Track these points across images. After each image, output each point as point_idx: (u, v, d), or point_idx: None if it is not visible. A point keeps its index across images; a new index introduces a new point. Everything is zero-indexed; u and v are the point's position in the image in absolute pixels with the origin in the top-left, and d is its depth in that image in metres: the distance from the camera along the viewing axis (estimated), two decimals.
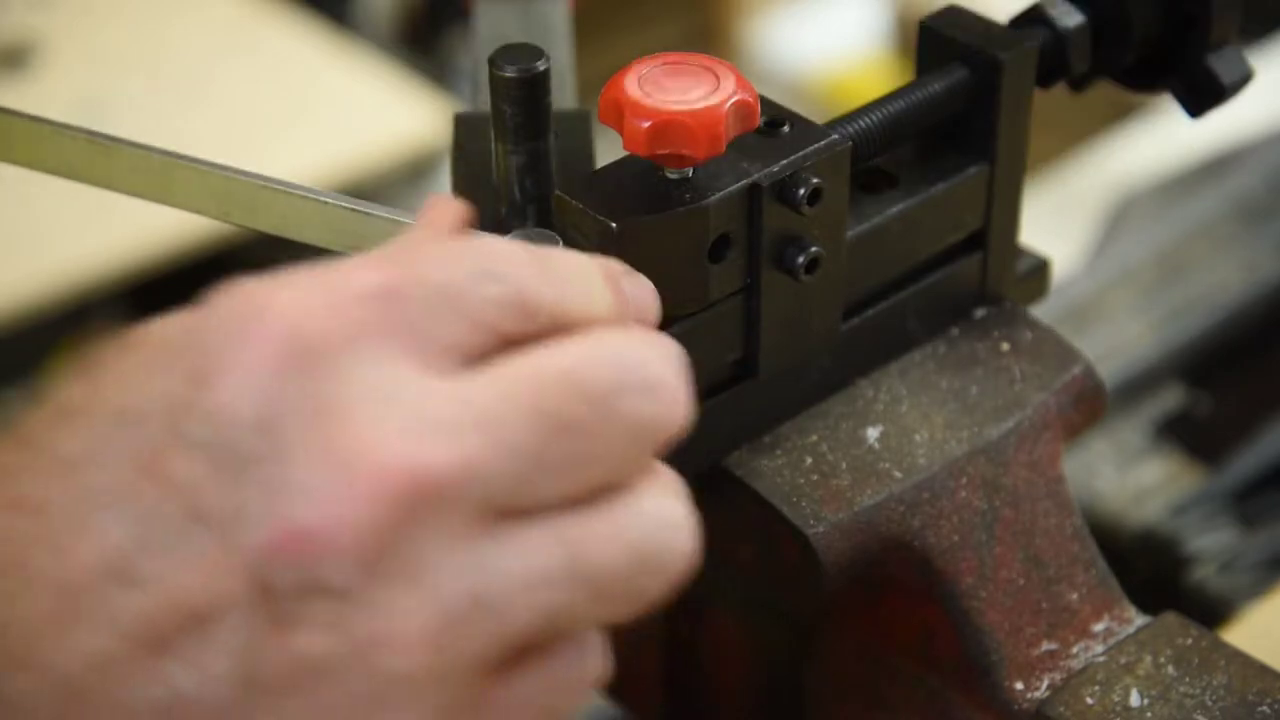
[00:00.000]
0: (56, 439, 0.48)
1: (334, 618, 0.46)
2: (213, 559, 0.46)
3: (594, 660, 0.50)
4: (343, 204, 0.61)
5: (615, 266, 0.55)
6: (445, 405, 0.47)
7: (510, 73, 0.62)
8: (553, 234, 0.58)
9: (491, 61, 0.63)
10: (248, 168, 0.61)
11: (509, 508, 0.48)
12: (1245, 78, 0.74)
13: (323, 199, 0.61)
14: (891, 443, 0.67)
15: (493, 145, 0.65)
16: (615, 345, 0.49)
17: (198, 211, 0.63)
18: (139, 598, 0.46)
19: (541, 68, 0.63)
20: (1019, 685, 0.66)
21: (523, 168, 0.64)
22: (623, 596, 0.49)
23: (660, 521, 0.49)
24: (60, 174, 0.63)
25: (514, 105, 0.63)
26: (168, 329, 0.49)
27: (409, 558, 0.47)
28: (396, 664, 0.47)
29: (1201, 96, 0.74)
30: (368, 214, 0.61)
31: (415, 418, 0.47)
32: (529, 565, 0.48)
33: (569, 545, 0.48)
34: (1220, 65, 0.73)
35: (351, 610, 0.46)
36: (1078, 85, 0.75)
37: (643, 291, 0.57)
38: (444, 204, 0.56)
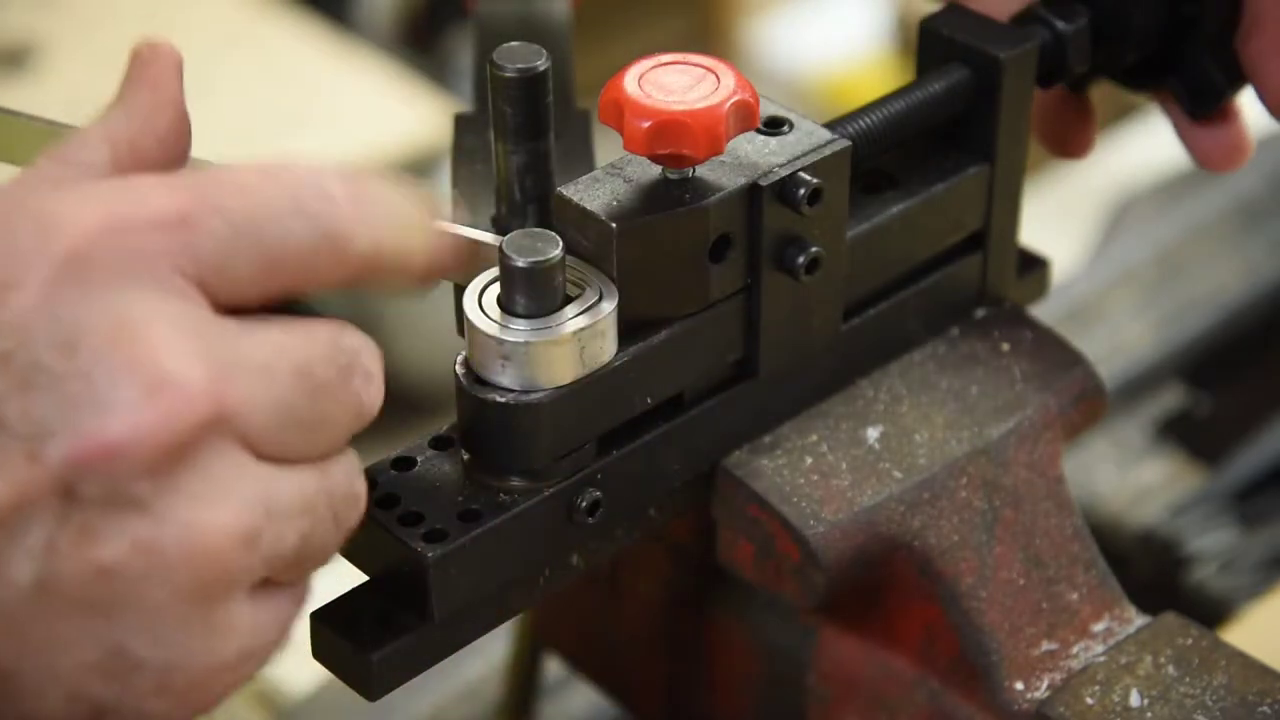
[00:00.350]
0: None
1: (135, 530, 0.48)
2: (16, 466, 0.47)
3: (306, 600, 0.55)
4: None
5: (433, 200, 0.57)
6: (228, 345, 0.50)
7: (510, 73, 0.62)
8: (552, 234, 0.58)
9: (491, 61, 0.63)
10: None
11: (265, 454, 0.51)
12: (1245, 78, 0.74)
13: None
14: (891, 443, 0.67)
15: (493, 145, 0.65)
16: (348, 334, 0.54)
17: None
18: None
19: (541, 68, 0.63)
20: (1019, 685, 0.66)
21: (523, 168, 0.64)
22: (348, 527, 0.55)
23: (359, 474, 0.55)
24: None
25: (514, 105, 0.63)
26: None
27: (204, 475, 0.49)
28: (190, 577, 0.49)
29: (1201, 96, 0.74)
30: None
31: (205, 348, 0.50)
32: (301, 489, 0.52)
33: (323, 477, 0.53)
34: (1220, 65, 0.73)
35: (152, 524, 0.49)
36: (1078, 85, 0.75)
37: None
38: (153, 54, 0.58)
